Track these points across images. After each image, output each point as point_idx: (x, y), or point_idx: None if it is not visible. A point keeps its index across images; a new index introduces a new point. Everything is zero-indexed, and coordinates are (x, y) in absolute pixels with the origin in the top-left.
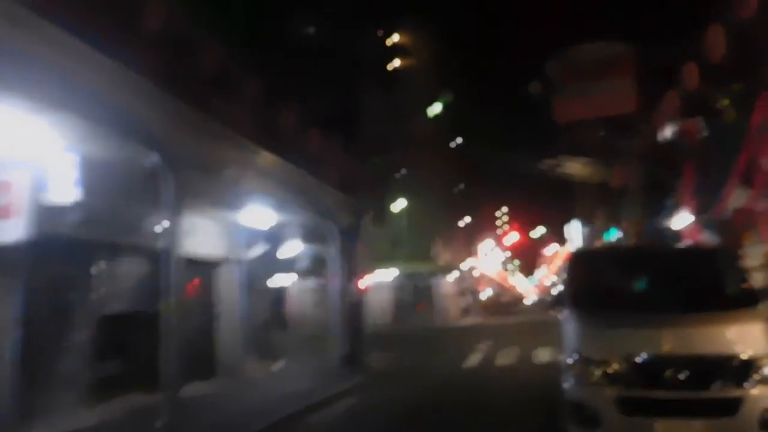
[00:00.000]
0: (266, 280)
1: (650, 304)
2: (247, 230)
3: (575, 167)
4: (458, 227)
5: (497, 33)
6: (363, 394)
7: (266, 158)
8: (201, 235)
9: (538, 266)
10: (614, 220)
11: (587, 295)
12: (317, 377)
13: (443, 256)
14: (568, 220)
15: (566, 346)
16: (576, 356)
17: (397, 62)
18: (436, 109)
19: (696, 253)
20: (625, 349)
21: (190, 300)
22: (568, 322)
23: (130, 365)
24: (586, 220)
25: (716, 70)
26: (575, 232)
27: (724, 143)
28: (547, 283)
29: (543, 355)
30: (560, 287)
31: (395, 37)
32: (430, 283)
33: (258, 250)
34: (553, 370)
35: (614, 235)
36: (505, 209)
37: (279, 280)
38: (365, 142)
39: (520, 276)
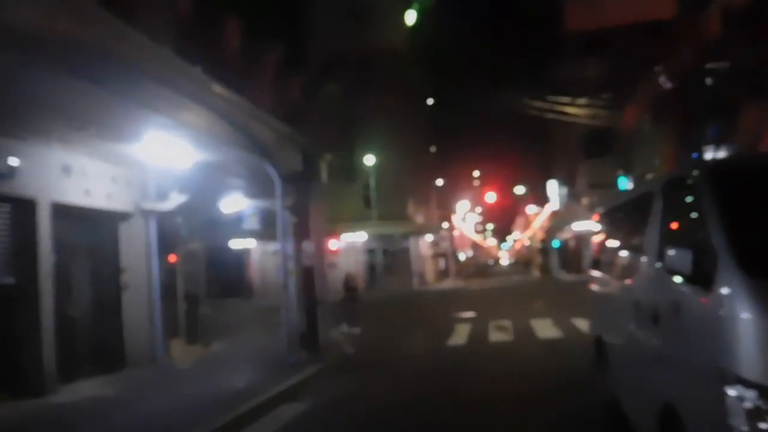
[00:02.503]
0: (200, 239)
1: None
2: (158, 174)
3: (573, 108)
4: (433, 187)
5: None
6: (317, 393)
7: (150, 52)
8: (91, 179)
9: (514, 229)
10: (622, 168)
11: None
12: (259, 366)
13: (418, 217)
14: (548, 179)
15: (714, 356)
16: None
17: None
18: (410, 18)
19: None
20: None
21: (80, 265)
22: (719, 308)
23: None
24: (566, 179)
25: None
26: (553, 192)
27: None
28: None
29: (543, 328)
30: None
31: None
32: (405, 246)
33: (175, 200)
34: (573, 354)
35: (625, 183)
36: (477, 173)
37: (239, 243)
38: (316, 57)
39: (493, 239)
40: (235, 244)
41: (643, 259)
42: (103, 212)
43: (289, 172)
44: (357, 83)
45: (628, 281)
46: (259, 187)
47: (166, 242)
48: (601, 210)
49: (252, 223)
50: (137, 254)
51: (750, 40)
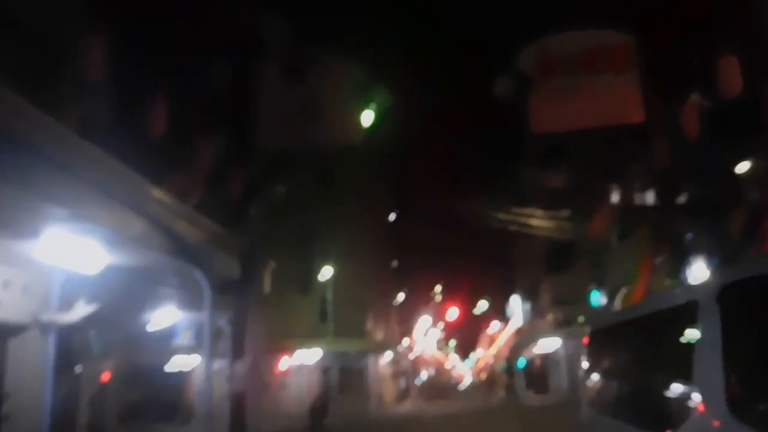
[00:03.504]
0: (119, 357)
1: None
2: (64, 279)
3: (537, 220)
4: (394, 302)
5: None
6: None
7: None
8: None
9: (477, 346)
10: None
11: None
12: None
13: (377, 333)
14: (510, 294)
15: None
16: None
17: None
18: (367, 119)
19: None
20: None
21: None
22: None
23: None
24: (529, 294)
25: None
26: (516, 308)
27: None
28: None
29: None
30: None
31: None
32: (363, 364)
33: (82, 310)
34: None
35: (597, 299)
36: (439, 288)
37: (178, 362)
38: (264, 154)
39: (455, 357)
40: (173, 361)
41: (693, 401)
42: None
43: (223, 280)
44: (311, 186)
45: None
46: (194, 297)
47: (69, 361)
48: (590, 329)
49: (185, 338)
50: (29, 377)
51: (723, 141)
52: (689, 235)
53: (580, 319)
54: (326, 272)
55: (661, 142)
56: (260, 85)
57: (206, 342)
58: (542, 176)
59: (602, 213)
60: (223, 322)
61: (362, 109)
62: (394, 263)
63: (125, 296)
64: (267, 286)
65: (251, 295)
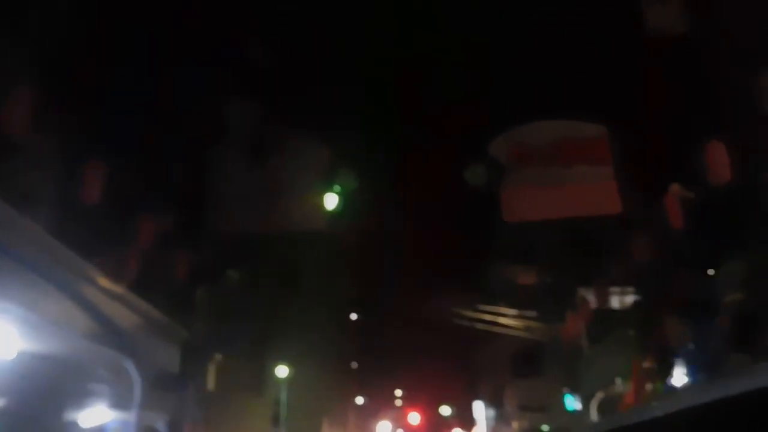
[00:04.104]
0: None
1: None
2: None
3: (506, 319)
4: (353, 406)
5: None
6: None
7: None
8: None
9: None
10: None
11: None
12: None
13: None
14: (474, 399)
15: None
16: None
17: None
18: (330, 203)
19: None
20: None
21: None
22: None
23: None
24: (493, 400)
25: None
26: (480, 415)
27: None
28: None
29: None
30: None
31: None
32: None
33: None
34: None
35: (572, 404)
36: (400, 392)
37: None
38: (216, 237)
39: None
40: None
41: None
42: None
43: (160, 373)
44: (269, 277)
45: None
46: (127, 393)
47: None
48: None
49: None
50: None
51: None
52: (678, 339)
53: (544, 427)
54: (281, 372)
55: (642, 236)
56: (218, 166)
57: None
58: (512, 273)
59: (577, 313)
60: (161, 424)
61: (325, 192)
62: (354, 365)
63: (42, 389)
64: (212, 383)
65: (193, 392)
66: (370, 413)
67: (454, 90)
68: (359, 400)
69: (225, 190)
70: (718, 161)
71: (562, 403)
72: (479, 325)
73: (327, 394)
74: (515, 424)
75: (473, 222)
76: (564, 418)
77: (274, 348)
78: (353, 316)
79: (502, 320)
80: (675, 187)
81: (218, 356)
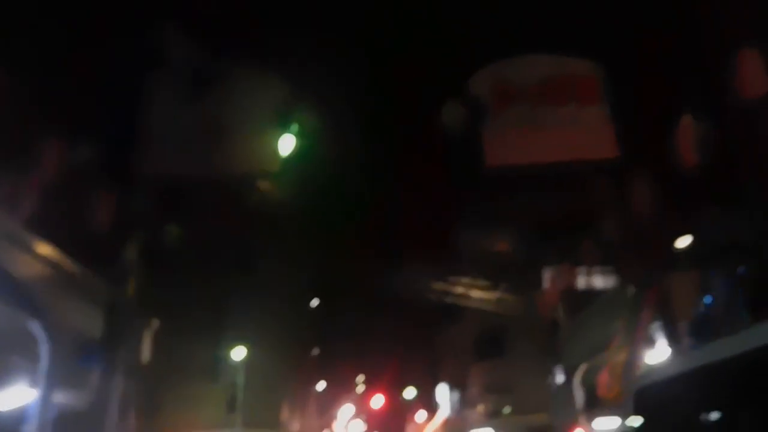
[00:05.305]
0: None
1: None
2: None
3: (477, 291)
4: (314, 391)
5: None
6: None
7: None
8: None
9: None
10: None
11: None
12: None
13: (294, 424)
14: (438, 381)
15: None
16: None
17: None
18: (286, 145)
19: None
20: None
21: None
22: None
23: None
24: (456, 383)
25: None
26: (443, 397)
27: None
28: None
29: None
30: None
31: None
32: None
33: None
34: None
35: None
36: (362, 378)
37: None
38: (152, 178)
39: None
40: None
41: None
42: None
43: (77, 339)
44: (215, 242)
45: None
46: (59, 372)
47: None
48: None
49: (46, 423)
50: None
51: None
52: (687, 299)
53: (506, 409)
54: (237, 354)
55: (640, 182)
56: (153, 99)
57: (42, 421)
58: (486, 241)
59: (558, 279)
60: (81, 403)
61: (280, 133)
62: (315, 351)
63: None
64: (147, 354)
65: (122, 365)
66: (332, 398)
67: (432, 14)
68: (320, 386)
69: (160, 126)
70: (752, 72)
71: (527, 384)
72: (449, 299)
73: (286, 379)
74: (479, 407)
75: (446, 180)
76: (528, 399)
77: (228, 328)
78: (314, 302)
79: (473, 293)
80: (687, 119)
81: (155, 323)
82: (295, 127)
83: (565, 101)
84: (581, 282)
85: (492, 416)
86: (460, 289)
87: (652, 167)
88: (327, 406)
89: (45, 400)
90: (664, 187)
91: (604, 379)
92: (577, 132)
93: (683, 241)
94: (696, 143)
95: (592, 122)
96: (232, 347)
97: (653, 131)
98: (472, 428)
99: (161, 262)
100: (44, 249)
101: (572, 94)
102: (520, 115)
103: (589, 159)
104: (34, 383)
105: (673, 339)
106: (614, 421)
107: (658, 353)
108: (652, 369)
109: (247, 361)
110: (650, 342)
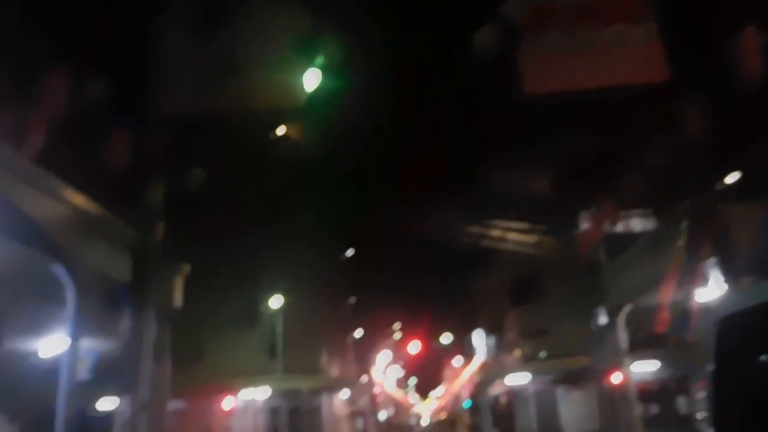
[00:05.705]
0: None
1: None
2: None
3: (514, 234)
4: (351, 338)
5: None
6: None
7: None
8: None
9: (440, 383)
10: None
11: None
12: None
13: (333, 370)
14: (474, 327)
15: None
16: None
17: None
18: (311, 81)
19: None
20: None
21: None
22: None
23: None
24: (494, 327)
25: None
26: (480, 342)
27: None
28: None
29: None
30: None
31: None
32: (317, 403)
33: None
34: None
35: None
36: (398, 325)
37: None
38: (171, 122)
39: (415, 395)
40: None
41: None
42: None
43: (103, 283)
44: (242, 176)
45: None
46: (87, 317)
47: None
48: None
49: (81, 370)
50: None
51: None
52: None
53: (542, 353)
54: (275, 302)
55: (694, 106)
56: (171, 34)
57: (71, 369)
58: (523, 181)
59: (599, 218)
60: (112, 350)
61: (305, 68)
62: (352, 299)
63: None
64: (179, 300)
65: (149, 305)
66: (370, 345)
67: None
68: (358, 333)
69: (178, 62)
70: None
71: (563, 328)
72: (485, 243)
73: (324, 325)
74: (516, 352)
75: (482, 117)
76: (565, 343)
77: (262, 276)
78: (349, 252)
79: (509, 236)
80: (751, 31)
81: (186, 268)
82: (320, 60)
83: (609, 21)
84: (624, 221)
85: (528, 361)
86: (496, 233)
87: (706, 91)
88: (365, 352)
89: (74, 345)
90: (719, 113)
91: (663, 316)
92: (622, 54)
93: (740, 172)
94: (761, 59)
95: (638, 42)
96: (269, 295)
97: (708, 49)
98: (509, 373)
99: (187, 207)
100: (66, 192)
101: (617, 12)
102: (559, 37)
103: (635, 83)
104: (66, 331)
105: (731, 274)
106: (654, 364)
107: (713, 290)
108: (726, 300)
109: (286, 309)
110: (704, 278)
